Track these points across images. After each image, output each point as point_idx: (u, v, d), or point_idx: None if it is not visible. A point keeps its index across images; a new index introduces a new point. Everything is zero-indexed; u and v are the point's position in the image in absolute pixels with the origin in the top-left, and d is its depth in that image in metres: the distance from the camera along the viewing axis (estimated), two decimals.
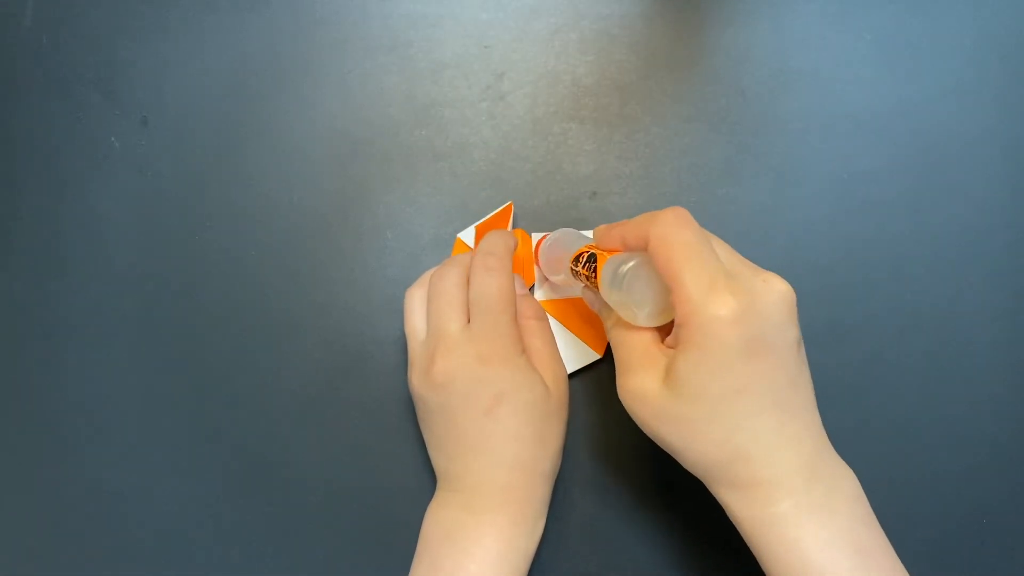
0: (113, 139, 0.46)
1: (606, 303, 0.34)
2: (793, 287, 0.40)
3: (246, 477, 0.42)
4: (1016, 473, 0.40)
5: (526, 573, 0.35)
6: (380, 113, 0.45)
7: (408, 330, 0.39)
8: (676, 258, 0.30)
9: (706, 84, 0.44)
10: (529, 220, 0.43)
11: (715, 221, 0.43)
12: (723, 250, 0.33)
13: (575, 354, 0.41)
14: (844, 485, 0.31)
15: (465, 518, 0.35)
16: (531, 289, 0.42)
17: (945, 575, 0.39)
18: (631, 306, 0.32)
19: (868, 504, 0.31)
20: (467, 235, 0.43)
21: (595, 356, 0.41)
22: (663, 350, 0.32)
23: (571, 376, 0.41)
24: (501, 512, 0.35)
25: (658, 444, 0.32)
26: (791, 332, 0.31)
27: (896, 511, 0.40)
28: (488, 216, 0.43)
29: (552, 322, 0.41)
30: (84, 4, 0.47)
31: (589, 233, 0.41)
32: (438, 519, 0.36)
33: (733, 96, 0.44)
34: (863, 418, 0.41)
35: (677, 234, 0.30)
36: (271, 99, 0.45)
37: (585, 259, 0.36)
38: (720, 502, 0.32)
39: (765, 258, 0.42)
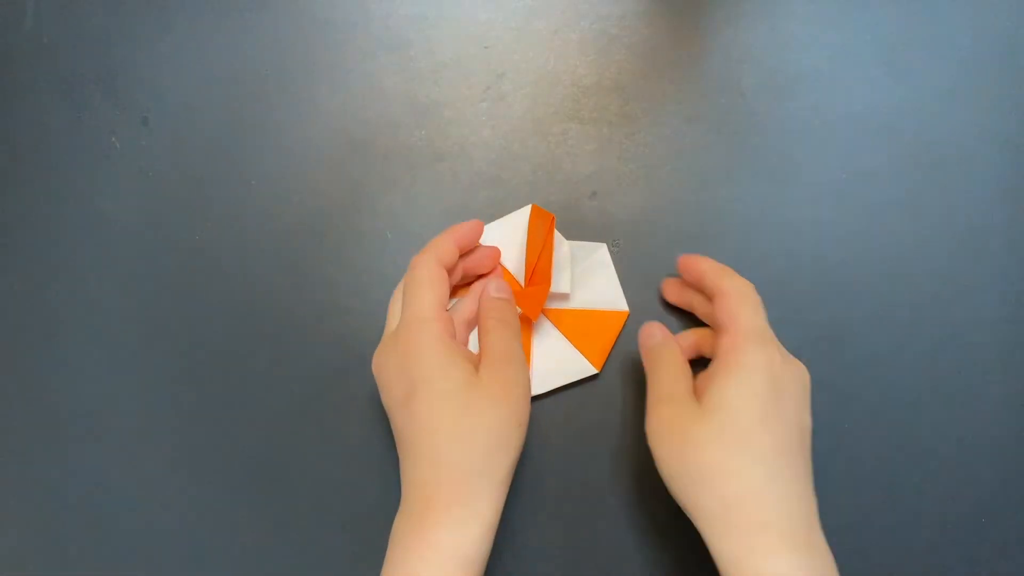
0: (113, 139, 0.46)
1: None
2: (793, 286, 0.41)
3: (245, 477, 0.42)
4: (1016, 473, 0.40)
5: None
6: (380, 113, 0.45)
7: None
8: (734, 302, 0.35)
9: (706, 84, 0.44)
10: None
11: (715, 221, 0.43)
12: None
13: (571, 366, 0.41)
14: (830, 563, 0.31)
15: (400, 524, 0.32)
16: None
17: (945, 575, 0.39)
18: None
19: None
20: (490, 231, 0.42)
21: (592, 370, 0.41)
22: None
23: (566, 388, 0.41)
24: (427, 515, 0.31)
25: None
26: (805, 413, 0.34)
27: (896, 511, 0.40)
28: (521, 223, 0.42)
29: (552, 331, 0.41)
30: (84, 4, 0.47)
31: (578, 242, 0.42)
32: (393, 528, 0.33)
33: (733, 96, 0.44)
34: (863, 418, 0.41)
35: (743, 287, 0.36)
36: (271, 99, 0.45)
37: None
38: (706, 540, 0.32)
39: (765, 258, 0.42)
